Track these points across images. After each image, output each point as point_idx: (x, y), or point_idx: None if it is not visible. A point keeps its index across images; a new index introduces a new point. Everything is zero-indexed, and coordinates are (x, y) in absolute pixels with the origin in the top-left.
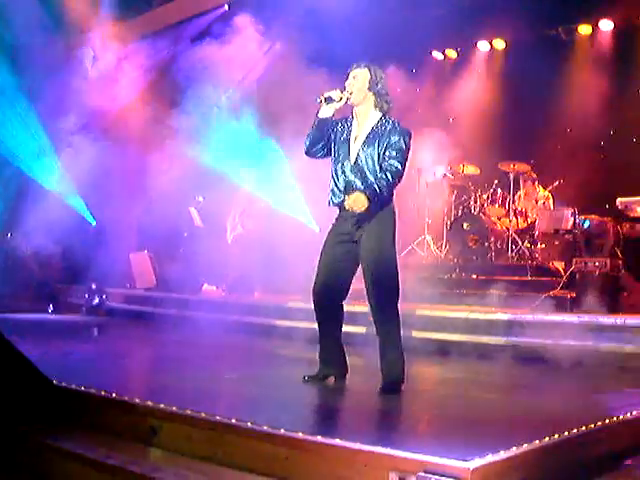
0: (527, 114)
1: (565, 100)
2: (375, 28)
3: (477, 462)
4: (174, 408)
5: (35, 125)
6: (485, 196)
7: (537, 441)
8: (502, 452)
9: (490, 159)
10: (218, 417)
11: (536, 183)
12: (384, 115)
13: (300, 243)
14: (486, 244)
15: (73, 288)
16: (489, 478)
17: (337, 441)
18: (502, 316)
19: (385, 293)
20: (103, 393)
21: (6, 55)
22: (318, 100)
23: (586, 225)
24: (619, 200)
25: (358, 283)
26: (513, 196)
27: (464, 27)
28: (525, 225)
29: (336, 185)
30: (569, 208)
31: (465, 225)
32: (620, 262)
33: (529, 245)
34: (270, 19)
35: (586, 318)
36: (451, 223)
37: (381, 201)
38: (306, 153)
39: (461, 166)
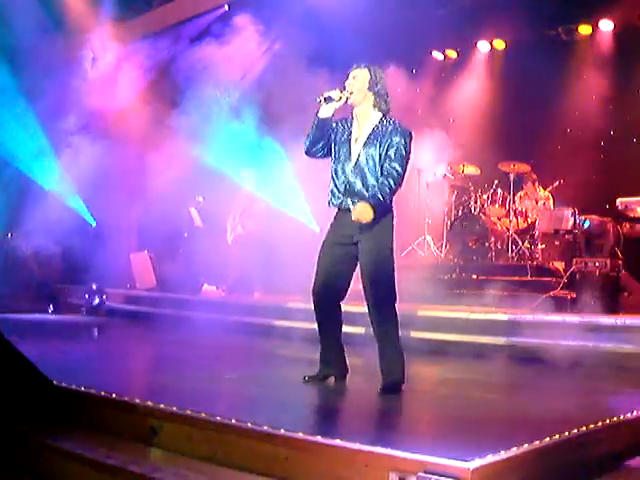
0: (527, 114)
1: (565, 100)
2: (375, 28)
3: (477, 462)
4: (174, 408)
5: (35, 125)
6: (485, 196)
7: (537, 441)
8: (502, 452)
9: (490, 159)
10: (218, 417)
11: (536, 183)
12: (384, 115)
13: (300, 243)
14: (486, 244)
15: (73, 288)
16: (489, 478)
17: (337, 441)
18: (502, 316)
19: (382, 294)
20: (103, 393)
21: (6, 55)
22: (318, 100)
23: (586, 225)
24: (619, 200)
25: (357, 284)
26: (513, 196)
27: (464, 27)
28: (525, 225)
29: (336, 186)
30: (569, 208)
31: (465, 225)
32: (620, 262)
33: (529, 245)
34: (270, 19)
35: (586, 318)
36: (451, 223)
37: (384, 208)
38: (306, 153)
39: (461, 166)
